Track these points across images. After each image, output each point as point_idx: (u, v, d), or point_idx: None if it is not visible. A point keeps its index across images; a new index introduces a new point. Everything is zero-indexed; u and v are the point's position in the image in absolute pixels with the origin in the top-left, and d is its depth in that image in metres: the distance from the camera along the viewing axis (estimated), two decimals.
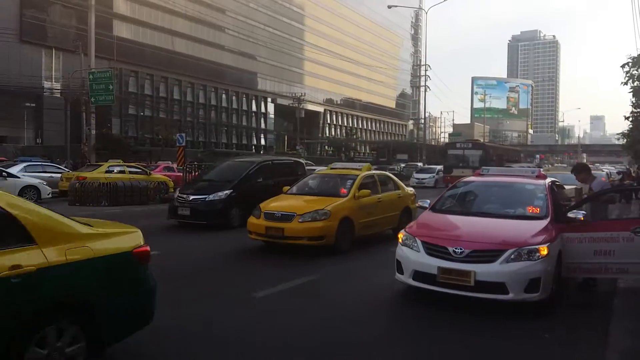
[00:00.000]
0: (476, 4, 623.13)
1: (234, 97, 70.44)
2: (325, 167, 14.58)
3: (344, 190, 9.81)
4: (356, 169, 10.86)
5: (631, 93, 21.57)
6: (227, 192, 12.20)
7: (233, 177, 12.88)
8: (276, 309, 5.87)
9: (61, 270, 3.49)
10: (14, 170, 19.37)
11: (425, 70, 62.44)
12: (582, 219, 6.30)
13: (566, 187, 8.70)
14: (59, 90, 45.72)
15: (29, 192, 18.01)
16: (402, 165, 46.82)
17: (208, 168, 16.60)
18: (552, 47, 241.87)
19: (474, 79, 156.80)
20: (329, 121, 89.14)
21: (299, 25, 79.90)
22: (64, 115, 39.24)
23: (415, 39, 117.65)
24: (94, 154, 29.74)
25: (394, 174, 14.21)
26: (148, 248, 4.13)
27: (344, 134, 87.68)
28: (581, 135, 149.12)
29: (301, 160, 16.97)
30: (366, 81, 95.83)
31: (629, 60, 19.70)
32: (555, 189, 7.31)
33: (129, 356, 4.39)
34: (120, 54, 52.00)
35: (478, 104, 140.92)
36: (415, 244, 6.13)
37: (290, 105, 70.63)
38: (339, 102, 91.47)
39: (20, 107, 46.90)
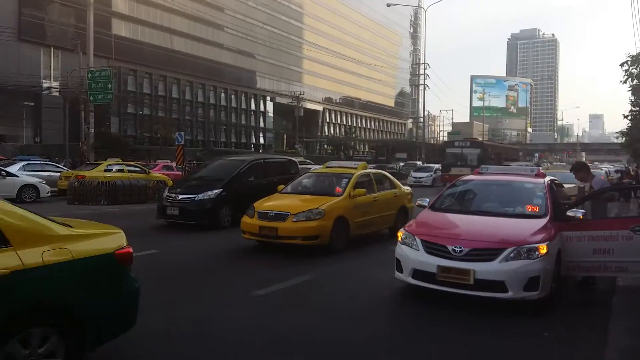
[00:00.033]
0: (475, 3, 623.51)
1: (232, 96, 70.39)
2: (321, 166, 14.52)
3: (339, 189, 9.74)
4: (352, 168, 10.78)
5: (630, 91, 21.57)
6: (216, 191, 11.94)
7: (223, 176, 12.64)
8: (274, 309, 5.86)
9: (38, 273, 3.36)
10: (12, 169, 19.35)
11: (425, 69, 62.55)
12: (582, 217, 6.31)
13: (569, 185, 8.69)
14: (58, 89, 45.65)
15: (27, 191, 18.02)
16: (401, 164, 46.85)
17: (199, 167, 16.28)
18: (551, 46, 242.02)
19: (473, 78, 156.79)
20: (328, 120, 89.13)
21: (298, 23, 79.85)
22: (62, 114, 39.17)
23: (415, 37, 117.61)
24: (92, 153, 29.77)
25: (393, 173, 14.19)
26: (130, 249, 4.01)
27: (343, 133, 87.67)
28: (580, 134, 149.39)
29: (294, 159, 16.69)
30: (365, 80, 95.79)
31: (628, 58, 19.69)
32: (554, 188, 7.32)
33: (123, 358, 4.38)
34: (119, 53, 51.93)
35: (477, 103, 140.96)
36: (415, 243, 6.13)
37: (289, 103, 70.61)
38: (338, 101, 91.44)
39: (18, 106, 46.86)
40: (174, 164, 26.40)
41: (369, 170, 11.32)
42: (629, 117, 24.92)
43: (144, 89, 58.78)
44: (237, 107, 71.38)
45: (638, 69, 19.65)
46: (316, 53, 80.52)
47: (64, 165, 26.95)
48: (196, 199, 11.81)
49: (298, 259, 8.41)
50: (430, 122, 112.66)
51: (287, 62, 77.61)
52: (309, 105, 78.11)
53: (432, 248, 5.96)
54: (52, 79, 48.79)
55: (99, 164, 21.13)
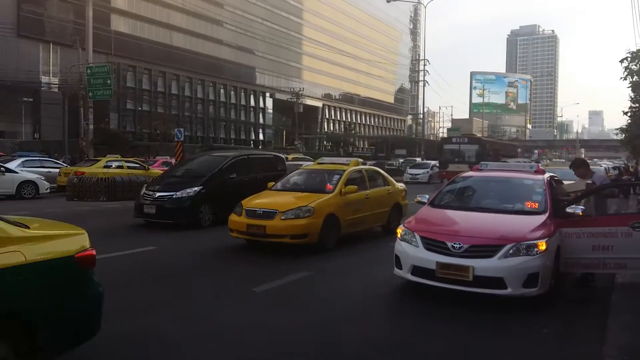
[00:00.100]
0: None
1: (232, 92, 70.32)
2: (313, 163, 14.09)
3: (330, 187, 9.51)
4: (343, 164, 10.54)
5: (630, 88, 21.56)
6: (196, 188, 11.43)
7: (204, 173, 12.13)
8: (271, 307, 5.83)
9: None
10: (12, 165, 19.35)
11: (424, 65, 62.56)
12: (581, 214, 6.31)
13: (568, 182, 8.65)
14: (57, 85, 45.55)
15: (27, 187, 18.03)
16: (401, 160, 46.79)
17: (179, 163, 15.66)
18: (551, 42, 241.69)
19: (472, 74, 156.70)
20: (327, 116, 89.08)
21: (297, 19, 79.69)
22: (61, 110, 39.15)
23: (414, 33, 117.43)
24: (92, 149, 29.72)
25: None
26: (93, 252, 3.76)
27: (343, 129, 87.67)
28: (579, 131, 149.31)
29: (281, 155, 16.08)
30: (365, 76, 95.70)
31: (628, 55, 19.70)
32: (553, 184, 7.32)
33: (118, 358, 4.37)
34: (118, 49, 51.82)
35: (477, 99, 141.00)
36: (414, 239, 6.13)
37: (289, 100, 70.54)
38: (337, 97, 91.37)
39: (17, 102, 46.78)
40: (173, 160, 26.36)
41: (362, 166, 11.08)
42: (629, 114, 24.88)
43: (143, 85, 58.72)
44: (237, 104, 71.32)
45: (638, 65, 19.65)
46: (316, 49, 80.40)
47: (63, 162, 26.96)
48: (174, 196, 11.32)
49: (291, 257, 8.23)
50: (429, 119, 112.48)
51: (286, 58, 77.50)
52: (309, 102, 78.05)
53: (432, 244, 5.96)
54: (51, 75, 48.71)
55: (98, 160, 21.14)
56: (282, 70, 77.31)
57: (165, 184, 12.05)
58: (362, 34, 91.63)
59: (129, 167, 19.87)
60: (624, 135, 30.83)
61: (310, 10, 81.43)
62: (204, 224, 11.33)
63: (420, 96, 70.22)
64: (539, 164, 10.03)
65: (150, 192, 11.68)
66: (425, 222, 6.61)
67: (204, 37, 64.49)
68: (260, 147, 68.88)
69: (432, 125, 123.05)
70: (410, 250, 6.10)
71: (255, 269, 7.64)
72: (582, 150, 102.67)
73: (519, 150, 56.40)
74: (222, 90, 68.74)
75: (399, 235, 6.43)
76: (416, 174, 33.03)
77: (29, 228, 3.55)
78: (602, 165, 27.80)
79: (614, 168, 30.40)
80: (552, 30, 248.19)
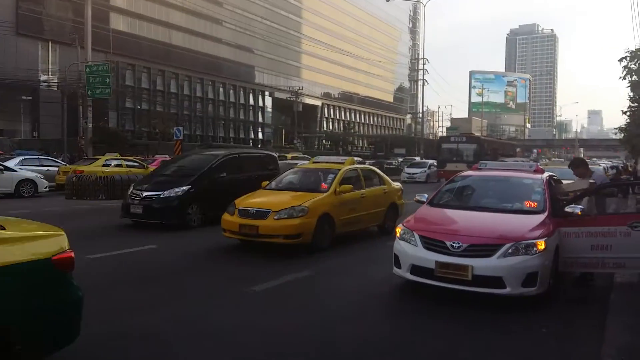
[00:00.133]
0: None
1: (231, 91, 70.28)
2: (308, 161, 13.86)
3: (324, 186, 9.36)
4: (339, 163, 10.41)
5: (629, 87, 21.59)
6: (184, 188, 11.14)
7: (193, 172, 11.83)
8: (268, 307, 5.81)
9: None
10: (10, 163, 19.33)
11: (423, 64, 62.52)
12: (580, 213, 6.32)
13: (573, 181, 8.62)
14: (56, 84, 45.53)
15: (26, 186, 18.01)
16: (400, 159, 46.79)
17: (168, 161, 15.28)
18: (550, 41, 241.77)
19: (471, 73, 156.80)
20: (326, 115, 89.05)
21: (297, 18, 79.65)
22: (60, 109, 39.12)
23: (414, 32, 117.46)
24: (91, 148, 29.70)
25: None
26: (72, 254, 3.60)
27: (342, 128, 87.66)
28: (578, 130, 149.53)
29: (273, 154, 15.71)
30: (364, 75, 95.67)
31: (627, 54, 19.72)
32: (552, 184, 7.32)
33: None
34: (117, 47, 51.73)
35: (476, 98, 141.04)
36: (413, 238, 6.13)
37: (288, 99, 70.53)
38: (336, 96, 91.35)
39: (16, 100, 46.71)
40: None
41: (357, 165, 10.95)
42: (628, 113, 24.92)
43: (142, 84, 58.65)
44: (236, 102, 71.28)
45: (637, 64, 19.67)
46: (315, 48, 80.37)
47: (62, 160, 26.93)
48: (161, 196, 11.04)
49: (288, 257, 8.14)
50: (429, 118, 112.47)
51: (285, 56, 77.45)
52: (308, 101, 78.02)
53: (431, 244, 5.96)
54: (50, 73, 48.65)
55: (97, 159, 21.13)
56: (281, 69, 77.26)
57: (153, 183, 11.76)
58: (361, 32, 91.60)
59: (127, 166, 19.86)
60: (622, 135, 30.88)
61: (310, 9, 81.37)
62: (192, 224, 11.10)
63: (420, 95, 70.34)
64: (538, 163, 10.04)
65: (138, 192, 11.41)
66: (424, 221, 6.60)
67: (203, 35, 64.43)
68: (259, 145, 68.75)
69: (432, 124, 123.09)
70: (410, 250, 6.10)
71: (251, 269, 7.58)
72: (581, 149, 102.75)
73: (518, 149, 56.42)
74: (221, 89, 68.70)
75: (398, 235, 6.43)
76: (413, 173, 32.80)
77: (4, 229, 3.41)
78: (601, 165, 27.82)
79: (612, 167, 30.40)
80: (552, 30, 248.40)
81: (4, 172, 17.76)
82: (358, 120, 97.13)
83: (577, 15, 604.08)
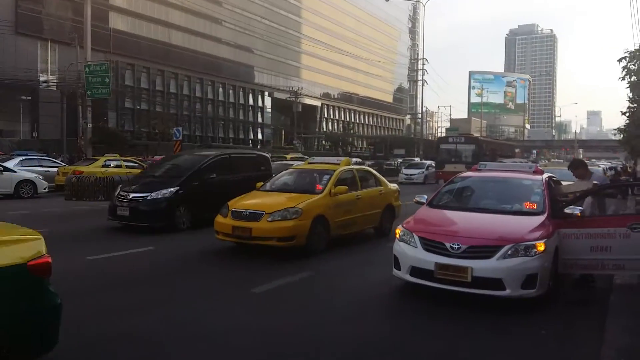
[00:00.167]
0: None
1: (230, 91, 70.26)
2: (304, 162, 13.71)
3: (319, 187, 9.23)
4: (334, 164, 10.24)
5: (628, 88, 21.57)
6: (172, 189, 10.84)
7: (181, 173, 11.58)
8: (266, 309, 5.81)
9: None
10: (10, 164, 19.31)
11: (423, 65, 62.50)
12: (579, 214, 6.31)
13: (572, 182, 8.60)
14: (55, 83, 45.46)
15: (25, 186, 18.00)
16: (399, 160, 46.78)
17: (157, 162, 14.75)
18: (549, 42, 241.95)
19: (471, 73, 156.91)
20: (326, 115, 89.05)
21: (296, 17, 79.65)
22: (60, 109, 39.07)
23: (413, 32, 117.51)
24: (90, 148, 29.66)
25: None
26: (49, 259, 3.45)
27: (341, 129, 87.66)
28: (578, 131, 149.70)
29: (266, 154, 15.34)
30: (363, 75, 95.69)
31: (626, 54, 19.70)
32: (552, 185, 7.32)
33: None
34: (117, 47, 51.73)
35: (475, 99, 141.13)
36: (413, 240, 6.13)
37: (288, 99, 70.53)
38: (336, 96, 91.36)
39: (15, 100, 46.67)
40: None
41: (353, 166, 10.84)
42: (627, 114, 24.91)
43: (141, 84, 58.61)
44: (235, 102, 71.26)
45: (636, 65, 19.66)
46: (314, 48, 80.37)
47: (61, 161, 26.93)
48: (148, 198, 10.73)
49: (287, 259, 8.07)
50: (428, 118, 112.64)
51: (285, 57, 77.45)
52: (307, 101, 78.01)
53: (430, 245, 5.96)
54: (49, 73, 48.60)
55: (97, 159, 21.12)
56: (280, 69, 77.26)
57: (141, 185, 11.44)
58: (361, 33, 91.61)
59: (127, 167, 19.84)
60: (622, 136, 30.85)
61: (309, 9, 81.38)
62: (181, 227, 10.82)
63: (419, 96, 70.33)
64: (537, 164, 10.03)
65: (125, 193, 11.09)
66: (423, 222, 6.60)
67: (203, 35, 64.41)
68: (258, 146, 68.81)
69: (431, 125, 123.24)
70: (409, 251, 6.10)
71: (250, 271, 7.56)
72: (581, 150, 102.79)
73: (517, 150, 56.38)
74: (220, 89, 68.68)
75: (397, 236, 6.43)
76: (411, 175, 32.49)
77: None
78: (600, 166, 27.80)
79: (610, 169, 30.40)
80: (551, 30, 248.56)
81: (3, 172, 17.75)
82: (357, 120, 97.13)
83: (576, 15, 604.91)
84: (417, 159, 45.40)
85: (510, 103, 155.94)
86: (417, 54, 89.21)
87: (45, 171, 20.37)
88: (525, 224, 6.13)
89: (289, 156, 31.65)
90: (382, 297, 6.35)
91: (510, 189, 7.41)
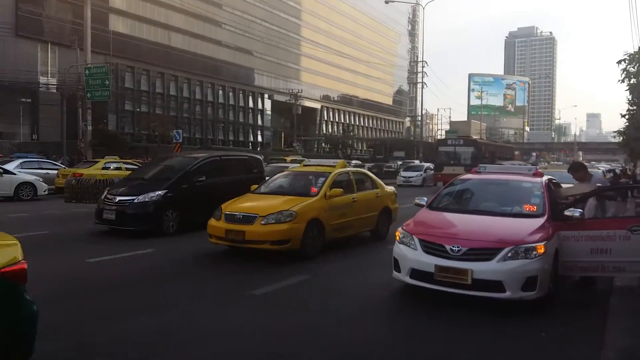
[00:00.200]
0: (473, 1, 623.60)
1: (230, 93, 70.32)
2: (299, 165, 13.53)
3: (314, 190, 9.12)
4: (329, 166, 10.09)
5: (628, 90, 21.59)
6: (160, 192, 10.60)
7: (170, 176, 11.31)
8: (266, 311, 5.81)
9: None
10: (10, 166, 19.32)
11: (422, 67, 62.48)
12: (579, 216, 6.31)
13: (572, 185, 8.59)
14: (55, 86, 45.50)
15: (25, 189, 18.00)
16: (399, 162, 46.80)
17: (145, 165, 14.43)
18: (549, 44, 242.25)
19: (470, 76, 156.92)
20: (325, 118, 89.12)
21: (296, 20, 79.76)
22: (60, 111, 39.11)
23: (413, 35, 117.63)
24: (90, 150, 29.71)
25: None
26: (24, 265, 3.32)
27: (341, 131, 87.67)
28: (577, 133, 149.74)
29: (258, 156, 14.99)
30: (363, 77, 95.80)
31: (626, 56, 19.72)
32: (552, 187, 7.33)
33: None
34: (117, 49, 51.80)
35: (475, 101, 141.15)
36: (413, 242, 6.13)
37: (287, 101, 70.54)
38: (335, 99, 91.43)
39: (15, 103, 46.68)
40: None
41: (349, 169, 10.70)
42: (626, 116, 24.92)
43: (141, 86, 58.67)
44: (235, 105, 71.32)
45: (636, 67, 19.67)
46: (314, 50, 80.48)
47: (61, 163, 26.92)
48: (135, 201, 10.51)
49: (286, 261, 8.03)
50: (428, 121, 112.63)
51: (285, 59, 77.56)
52: (307, 103, 78.03)
53: (430, 247, 5.96)
54: (49, 75, 48.63)
55: (97, 162, 21.17)
56: (280, 72, 77.35)
57: (128, 188, 11.24)
58: (360, 35, 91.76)
59: (127, 169, 19.84)
60: (621, 138, 30.86)
61: (309, 12, 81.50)
62: (168, 231, 10.58)
63: (419, 98, 70.16)
64: (537, 167, 10.03)
65: (111, 196, 10.87)
66: (423, 224, 6.60)
67: (203, 37, 64.51)
68: (258, 148, 68.86)
69: (431, 127, 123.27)
70: (409, 253, 6.10)
71: (249, 273, 7.55)
72: (580, 152, 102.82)
73: (517, 152, 56.36)
74: (220, 92, 68.75)
75: (397, 238, 6.43)
76: (409, 177, 32.24)
77: None
78: (600, 169, 27.81)
79: (609, 171, 30.42)
80: (550, 33, 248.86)
81: (3, 175, 17.76)
82: (357, 123, 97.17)
83: (575, 17, 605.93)
84: (416, 162, 45.34)
85: (510, 105, 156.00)
86: (417, 57, 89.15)
87: (45, 173, 20.39)
88: (525, 227, 6.14)
89: (288, 158, 31.65)
90: (381, 300, 6.35)
91: (510, 191, 7.40)
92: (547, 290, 5.75)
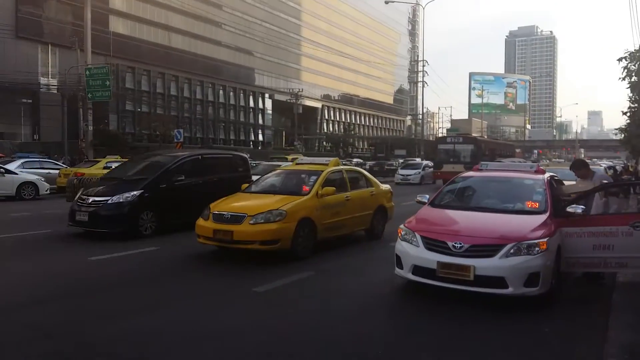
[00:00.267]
0: (473, 0, 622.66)
1: (231, 93, 70.33)
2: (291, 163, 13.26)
3: (306, 188, 8.93)
4: (322, 165, 9.91)
5: (629, 88, 21.58)
6: (135, 192, 10.17)
7: (146, 175, 10.86)
8: (267, 309, 5.81)
9: None
10: (11, 166, 19.36)
11: (423, 66, 62.51)
12: (581, 213, 6.31)
13: (574, 182, 8.58)
14: (56, 87, 45.52)
15: (27, 188, 18.03)
16: (400, 160, 46.76)
17: (123, 164, 14.06)
18: (549, 43, 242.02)
19: (471, 75, 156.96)
20: (326, 117, 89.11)
21: (296, 20, 79.73)
22: (61, 112, 39.10)
23: (413, 34, 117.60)
24: (91, 150, 29.74)
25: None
26: None
27: (342, 130, 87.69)
28: (579, 131, 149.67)
29: (244, 155, 14.55)
30: (364, 77, 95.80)
31: (626, 54, 19.71)
32: (554, 184, 7.32)
33: None
34: (117, 50, 51.82)
35: (476, 100, 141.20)
36: (415, 239, 6.13)
37: (288, 101, 70.54)
38: (336, 98, 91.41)
39: (16, 103, 46.75)
40: None
41: (342, 167, 10.49)
42: (628, 114, 24.91)
43: (142, 86, 58.67)
44: (236, 104, 71.32)
45: (637, 65, 19.66)
46: (314, 50, 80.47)
47: (62, 163, 26.95)
48: (109, 202, 10.08)
49: (288, 259, 7.99)
50: (429, 119, 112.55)
51: (285, 59, 77.53)
52: (308, 103, 78.05)
53: (432, 244, 5.96)
54: (50, 76, 48.66)
55: (98, 162, 21.17)
56: (281, 71, 77.33)
57: (103, 188, 10.82)
58: (361, 35, 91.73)
59: None
60: (623, 135, 30.84)
61: (309, 12, 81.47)
62: (145, 233, 10.17)
63: (420, 97, 70.28)
64: (538, 164, 10.01)
65: (85, 197, 10.45)
66: (425, 222, 6.60)
67: (203, 38, 64.50)
68: (259, 147, 68.86)
69: (432, 125, 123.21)
70: (411, 250, 6.10)
71: (250, 271, 7.55)
72: (582, 150, 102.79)
73: (518, 150, 56.27)
74: (221, 91, 68.75)
75: (399, 235, 6.44)
76: (407, 175, 31.86)
77: None
78: (602, 165, 27.79)
79: (609, 168, 30.39)
80: (551, 31, 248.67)
81: (5, 174, 17.79)
82: (358, 122, 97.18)
83: (576, 16, 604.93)
84: (418, 160, 45.24)
85: (511, 104, 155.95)
86: (417, 56, 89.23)
87: (47, 173, 20.43)
88: (527, 223, 6.13)
89: (290, 157, 31.65)
90: (383, 296, 6.35)
91: (512, 188, 7.39)
92: (549, 287, 5.74)
